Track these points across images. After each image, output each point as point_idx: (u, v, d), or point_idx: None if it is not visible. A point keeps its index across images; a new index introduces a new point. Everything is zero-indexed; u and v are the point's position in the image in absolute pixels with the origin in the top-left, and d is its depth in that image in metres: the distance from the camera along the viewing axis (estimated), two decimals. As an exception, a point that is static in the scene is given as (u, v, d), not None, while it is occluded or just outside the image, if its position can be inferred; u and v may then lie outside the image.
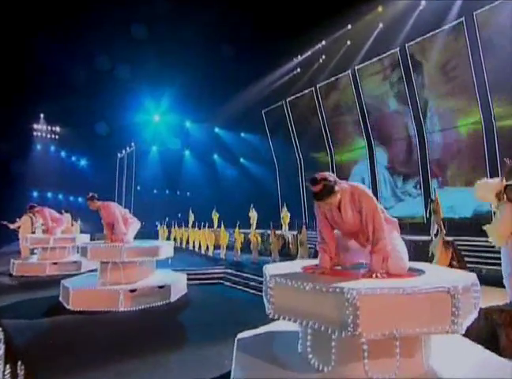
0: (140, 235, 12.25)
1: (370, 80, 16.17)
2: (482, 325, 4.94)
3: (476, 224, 11.22)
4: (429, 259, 7.24)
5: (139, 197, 26.29)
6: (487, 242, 5.01)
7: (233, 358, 2.84)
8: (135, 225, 6.69)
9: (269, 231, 12.84)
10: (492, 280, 5.55)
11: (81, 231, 13.16)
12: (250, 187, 22.73)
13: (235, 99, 19.96)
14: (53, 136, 25.69)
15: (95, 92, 19.04)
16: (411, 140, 15.15)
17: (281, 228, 14.21)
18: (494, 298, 5.16)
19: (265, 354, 2.79)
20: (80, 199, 23.18)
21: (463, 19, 12.51)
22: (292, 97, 20.10)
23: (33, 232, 10.48)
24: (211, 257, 12.72)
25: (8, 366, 2.71)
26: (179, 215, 26.13)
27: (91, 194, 6.28)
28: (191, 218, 19.49)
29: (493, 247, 4.92)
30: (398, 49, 14.73)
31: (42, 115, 24.71)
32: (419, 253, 8.82)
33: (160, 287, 6.04)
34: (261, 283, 5.97)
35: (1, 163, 19.13)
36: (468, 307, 2.32)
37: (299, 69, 19.29)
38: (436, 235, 8.69)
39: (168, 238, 17.45)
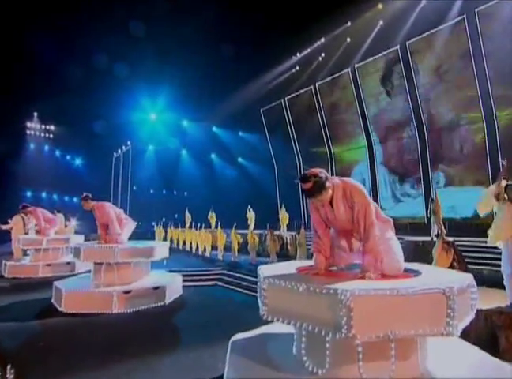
0: (136, 236, 12.26)
1: (370, 78, 16.18)
2: (481, 327, 4.96)
3: (477, 224, 11.30)
4: (430, 260, 7.29)
5: (135, 197, 26.25)
6: (486, 242, 5.04)
7: (226, 361, 2.84)
8: (130, 225, 6.68)
9: (266, 231, 12.86)
10: (493, 281, 5.57)
11: (76, 232, 13.15)
12: (249, 187, 22.71)
13: (233, 98, 19.93)
14: (47, 134, 25.60)
15: (90, 90, 18.99)
16: (411, 139, 15.17)
17: (280, 229, 14.20)
18: (494, 300, 5.18)
19: (259, 356, 2.80)
20: (75, 199, 23.10)
21: (464, 16, 12.53)
22: (291, 96, 20.09)
23: (26, 233, 10.44)
24: (208, 258, 12.73)
25: (-3, 370, 2.70)
26: (176, 215, 26.11)
27: (85, 194, 6.27)
28: (188, 218, 19.52)
29: (495, 248, 4.94)
30: (398, 47, 14.74)
31: (35, 113, 24.62)
32: (420, 253, 8.86)
33: (155, 289, 6.03)
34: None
35: (-6, 161, 19.09)
36: (464, 309, 2.33)
37: (298, 67, 19.27)
38: (437, 236, 8.75)
39: (165, 239, 17.44)
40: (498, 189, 4.65)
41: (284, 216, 14.33)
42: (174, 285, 6.56)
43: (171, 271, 8.15)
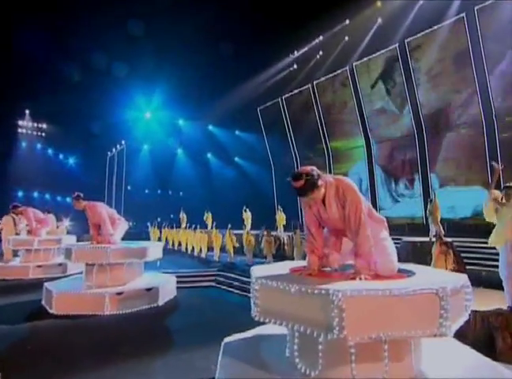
0: (131, 236, 12.23)
1: (368, 77, 16.22)
2: (479, 328, 5.00)
3: (477, 225, 11.36)
4: (428, 260, 7.34)
5: (130, 197, 26.20)
6: (486, 242, 5.09)
7: (218, 362, 2.84)
8: (123, 226, 6.67)
9: (264, 232, 12.88)
10: (492, 283, 5.60)
11: (69, 232, 13.08)
12: (245, 187, 22.72)
13: (229, 96, 19.92)
14: (39, 133, 25.47)
15: (83, 88, 18.91)
16: (410, 138, 15.22)
17: (276, 229, 14.22)
18: (492, 301, 5.22)
19: (251, 358, 2.79)
20: (68, 199, 23.00)
21: (464, 14, 12.58)
22: (289, 94, 20.12)
23: (17, 233, 10.37)
24: (204, 259, 12.73)
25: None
26: (171, 215, 26.11)
27: (76, 193, 6.24)
28: (183, 219, 19.50)
29: (494, 248, 4.99)
30: (397, 45, 14.79)
31: (27, 111, 24.49)
32: (418, 254, 8.90)
33: (148, 290, 6.02)
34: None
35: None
36: (457, 309, 2.33)
37: (295, 66, 19.30)
38: (436, 236, 8.81)
39: (160, 240, 17.40)
40: (493, 196, 4.72)
41: (280, 217, 14.34)
42: (167, 286, 6.55)
43: (165, 272, 8.12)
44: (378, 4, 15.05)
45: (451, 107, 13.71)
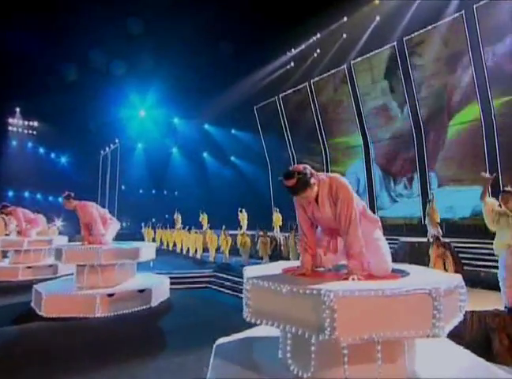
0: (124, 237, 12.20)
1: (366, 75, 16.27)
2: (475, 330, 5.03)
3: (475, 225, 11.43)
4: (426, 261, 7.41)
5: (124, 197, 26.11)
6: (485, 243, 5.14)
7: (209, 364, 2.84)
8: (114, 226, 6.64)
9: (260, 233, 12.91)
10: (490, 284, 5.63)
11: (61, 233, 13.02)
12: (242, 187, 22.73)
13: (225, 95, 19.92)
14: (30, 131, 25.28)
15: (76, 85, 18.83)
16: (408, 137, 15.28)
17: (273, 230, 14.24)
18: (490, 302, 5.26)
19: (243, 359, 2.79)
20: (60, 199, 22.86)
21: (463, 12, 12.64)
22: (285, 93, 20.15)
23: (7, 234, 10.29)
24: (199, 260, 12.73)
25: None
26: (166, 215, 26.06)
27: (67, 193, 6.21)
28: (178, 219, 19.47)
29: (492, 249, 5.04)
30: (395, 43, 14.84)
31: (18, 109, 24.31)
32: (416, 254, 8.95)
33: (140, 291, 6.00)
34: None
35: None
36: (451, 310, 2.34)
37: (292, 64, 19.35)
38: (434, 237, 8.88)
39: (154, 240, 17.36)
40: (489, 207, 4.80)
41: (277, 217, 14.36)
42: (161, 288, 6.54)
43: (159, 273, 8.11)
44: (376, 1, 15.12)
45: (450, 106, 13.79)
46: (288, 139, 20.68)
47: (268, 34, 15.89)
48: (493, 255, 5.09)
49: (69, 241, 10.67)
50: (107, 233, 6.36)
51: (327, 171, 17.26)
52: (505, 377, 2.60)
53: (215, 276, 10.14)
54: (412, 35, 14.22)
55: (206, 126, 25.74)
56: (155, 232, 19.11)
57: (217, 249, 12.40)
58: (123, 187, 27.01)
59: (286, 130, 20.66)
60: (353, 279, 2.42)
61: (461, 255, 8.58)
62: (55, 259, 6.52)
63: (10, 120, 24.56)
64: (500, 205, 4.81)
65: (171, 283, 7.46)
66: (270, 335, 3.11)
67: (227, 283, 8.98)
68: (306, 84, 18.81)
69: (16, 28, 15.69)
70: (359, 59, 16.29)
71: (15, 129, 24.69)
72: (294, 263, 3.17)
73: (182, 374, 3.56)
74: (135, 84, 20.80)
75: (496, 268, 5.12)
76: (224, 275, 9.66)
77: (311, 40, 17.91)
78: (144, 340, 4.63)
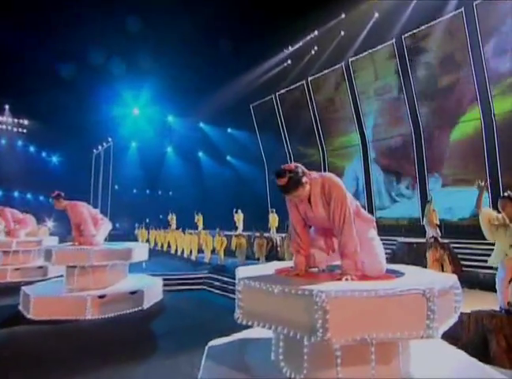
0: (117, 238, 12.16)
1: (364, 73, 16.32)
2: (472, 331, 5.06)
3: (475, 226, 11.48)
4: (424, 262, 7.45)
5: (117, 197, 25.99)
6: (484, 244, 5.18)
7: (201, 367, 2.83)
8: (106, 226, 6.62)
9: (256, 233, 12.93)
10: (489, 284, 5.67)
11: (52, 234, 12.93)
12: (238, 186, 22.72)
13: (221, 93, 19.90)
14: (20, 129, 25.05)
15: (68, 82, 18.71)
16: (406, 137, 15.34)
17: (269, 231, 14.25)
18: (487, 303, 5.29)
19: (235, 362, 2.79)
20: (51, 199, 22.71)
21: (462, 9, 12.70)
22: (282, 91, 20.16)
23: (-4, 235, 10.21)
24: (194, 261, 12.73)
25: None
26: (161, 216, 26.02)
27: (56, 192, 6.18)
28: (173, 219, 19.45)
29: (491, 250, 5.08)
30: (394, 40, 14.89)
31: (7, 106, 24.12)
32: (414, 255, 9.00)
33: (132, 293, 5.98)
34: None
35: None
36: (446, 311, 2.35)
37: (289, 61, 19.36)
38: (432, 238, 8.94)
39: (148, 241, 17.33)
40: (486, 217, 4.85)
41: (273, 218, 14.35)
42: (153, 289, 6.52)
43: (152, 275, 8.09)
44: (375, -2, 15.16)
45: (449, 106, 13.85)
46: (285, 138, 20.70)
47: (264, 31, 15.89)
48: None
49: (61, 242, 10.59)
50: (99, 233, 6.34)
51: (325, 170, 17.31)
52: (499, 377, 2.61)
53: (210, 278, 10.14)
54: (412, 32, 14.26)
55: (201, 125, 25.70)
56: (148, 233, 19.07)
57: (213, 251, 12.40)
58: (116, 187, 26.90)
59: (283, 129, 20.67)
60: (346, 279, 2.43)
61: (460, 256, 8.64)
62: (45, 260, 6.48)
63: (0, 118, 24.40)
64: (499, 211, 4.88)
65: (165, 285, 7.44)
66: (264, 336, 3.11)
67: (223, 285, 8.98)
68: (304, 82, 18.83)
69: (5, 24, 15.57)
70: (357, 57, 16.32)
71: (4, 126, 24.46)
72: (288, 264, 3.17)
73: (174, 376, 3.55)
74: (128, 82, 20.73)
75: (496, 268, 5.16)
76: (219, 277, 9.67)
77: (309, 37, 17.92)
78: (136, 343, 4.61)
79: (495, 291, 5.02)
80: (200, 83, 19.33)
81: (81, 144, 23.98)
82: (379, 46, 15.42)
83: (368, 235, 2.69)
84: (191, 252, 13.48)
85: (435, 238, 8.93)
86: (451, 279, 2.57)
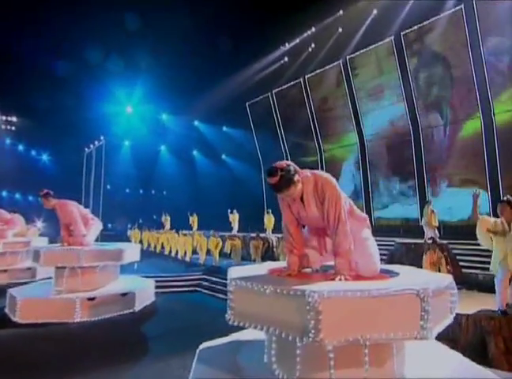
0: (109, 239, 12.10)
1: (362, 71, 16.36)
2: (471, 333, 5.10)
3: (474, 226, 11.55)
4: (422, 263, 7.50)
5: (109, 197, 25.87)
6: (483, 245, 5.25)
7: (191, 370, 2.83)
8: (96, 226, 6.58)
9: (251, 234, 12.95)
10: (488, 286, 5.71)
11: (41, 234, 12.83)
12: (233, 186, 22.71)
13: (216, 90, 19.88)
14: (8, 127, 24.83)
15: (58, 79, 18.57)
16: (405, 136, 15.40)
17: (265, 231, 14.27)
18: (485, 305, 5.33)
19: (227, 364, 2.78)
20: (40, 198, 22.53)
21: (462, 6, 12.76)
22: (279, 88, 20.18)
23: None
24: (188, 263, 12.72)
25: None
26: (154, 216, 25.95)
27: (45, 191, 6.14)
28: (167, 220, 19.41)
29: (491, 251, 5.14)
30: (393, 37, 14.95)
31: (-5, 103, 23.92)
32: (412, 255, 9.05)
33: (123, 295, 5.95)
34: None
35: None
36: (440, 311, 2.36)
37: (286, 59, 19.38)
38: (431, 239, 9.02)
39: (141, 242, 17.27)
40: (484, 225, 4.94)
41: (269, 219, 14.35)
42: (145, 291, 6.50)
43: (145, 276, 8.07)
44: (373, -6, 15.21)
45: (448, 105, 13.92)
46: (282, 136, 20.72)
47: (261, 27, 15.88)
48: (491, 256, 5.18)
49: (50, 243, 10.51)
50: (89, 233, 6.30)
51: (322, 169, 17.33)
52: (495, 378, 2.63)
53: (204, 279, 10.14)
54: (411, 29, 14.31)
55: (196, 123, 25.65)
56: (141, 234, 19.00)
57: (207, 252, 12.39)
58: (109, 186, 26.78)
59: (279, 127, 20.69)
60: (340, 279, 2.43)
61: (459, 257, 8.70)
62: (33, 261, 6.43)
63: (-14, 115, 24.19)
64: (497, 216, 4.95)
65: (158, 287, 7.43)
66: (256, 338, 3.11)
67: (217, 287, 8.98)
68: (301, 79, 18.86)
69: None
70: (355, 54, 16.37)
71: (-8, 124, 24.31)
72: (282, 264, 3.17)
73: (165, 380, 3.54)
74: (121, 79, 20.63)
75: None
76: (214, 278, 9.66)
77: (306, 34, 17.95)
78: (126, 345, 4.60)
79: (494, 293, 5.07)
80: (195, 80, 19.28)
81: (72, 143, 23.84)
82: (378, 44, 15.47)
83: (362, 235, 2.69)
84: (185, 253, 13.46)
85: (433, 240, 9.01)
86: (446, 279, 2.58)
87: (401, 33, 14.63)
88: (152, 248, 16.97)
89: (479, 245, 8.44)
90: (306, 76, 18.61)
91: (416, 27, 14.17)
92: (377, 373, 2.37)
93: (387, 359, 2.45)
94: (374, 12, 15.34)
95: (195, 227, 17.27)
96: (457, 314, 4.88)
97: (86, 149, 26.46)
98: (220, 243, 12.04)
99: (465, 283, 7.65)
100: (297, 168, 2.52)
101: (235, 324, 2.51)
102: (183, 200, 24.01)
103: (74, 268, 5.95)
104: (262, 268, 3.05)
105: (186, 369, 3.48)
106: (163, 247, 15.97)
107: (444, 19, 13.34)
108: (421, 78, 14.52)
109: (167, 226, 19.20)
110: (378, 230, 14.34)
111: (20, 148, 25.76)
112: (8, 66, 17.55)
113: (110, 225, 26.41)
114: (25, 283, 7.40)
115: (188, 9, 15.69)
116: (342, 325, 2.12)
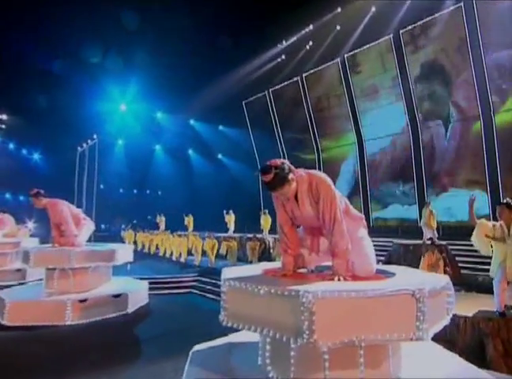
0: (103, 240, 12.02)
1: (361, 69, 16.40)
2: (469, 335, 5.12)
3: (473, 228, 11.60)
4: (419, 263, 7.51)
5: (102, 197, 25.78)
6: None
7: (184, 373, 2.82)
8: (88, 226, 6.55)
9: (248, 235, 12.96)
10: (488, 288, 5.73)
11: (32, 235, 12.75)
12: (229, 186, 22.70)
13: (212, 89, 19.85)
14: (-1, 125, 24.74)
15: (50, 76, 18.49)
16: (403, 136, 15.46)
17: (262, 232, 14.27)
18: (483, 306, 5.36)
19: (220, 367, 2.78)
20: (30, 197, 22.36)
21: (462, 4, 12.81)
22: (276, 87, 20.20)
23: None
24: (183, 264, 12.71)
25: None
26: (149, 217, 25.88)
27: (36, 190, 6.10)
28: (162, 221, 19.37)
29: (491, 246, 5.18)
30: (392, 35, 15.00)
31: (-16, 101, 23.72)
32: (410, 256, 9.09)
33: (116, 297, 5.93)
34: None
35: None
36: (437, 312, 2.37)
37: (283, 57, 19.38)
38: (430, 240, 9.06)
39: (135, 244, 17.22)
40: (481, 230, 4.99)
41: (266, 219, 14.35)
42: (138, 293, 6.48)
43: (139, 278, 8.04)
44: (372, -8, 15.25)
45: (447, 104, 13.98)
46: (279, 136, 20.73)
47: (258, 25, 15.88)
48: (491, 258, 5.23)
49: (41, 243, 10.43)
50: (80, 234, 6.26)
51: (320, 169, 17.36)
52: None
53: (199, 281, 10.13)
54: (410, 26, 14.36)
55: (192, 122, 25.62)
56: (135, 235, 18.94)
57: (203, 253, 12.38)
58: (102, 186, 26.68)
59: (276, 126, 20.70)
60: (339, 279, 2.43)
61: (458, 258, 8.74)
62: (23, 262, 6.39)
63: (-25, 112, 23.99)
64: (496, 219, 4.99)
65: (152, 289, 7.41)
66: (251, 340, 3.11)
67: (212, 288, 8.96)
68: (298, 78, 18.88)
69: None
70: (353, 52, 16.41)
71: (-19, 122, 24.11)
72: (277, 264, 3.17)
73: (157, 384, 3.53)
74: (115, 76, 20.54)
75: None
76: (209, 280, 9.65)
77: (303, 32, 17.97)
78: (119, 348, 4.58)
79: (493, 294, 5.10)
80: (191, 78, 19.25)
81: (65, 141, 23.69)
82: (376, 42, 15.53)
83: (358, 234, 2.70)
84: (180, 254, 13.44)
85: (432, 240, 9.06)
86: (443, 279, 2.59)
87: (400, 31, 14.68)
88: (146, 249, 16.92)
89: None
90: (303, 75, 18.64)
91: (415, 24, 14.21)
92: (372, 375, 2.38)
93: (383, 361, 2.45)
94: (373, 9, 15.39)
95: (190, 227, 17.25)
96: (455, 316, 4.92)
97: (79, 148, 26.34)
98: (217, 245, 12.04)
99: (464, 284, 7.68)
100: (291, 166, 2.52)
101: (229, 325, 2.51)
102: (178, 200, 23.97)
103: (65, 270, 5.91)
104: (257, 268, 3.04)
105: (179, 371, 3.49)
106: (157, 248, 15.94)
107: (444, 16, 13.39)
108: (420, 77, 14.56)
109: (162, 227, 19.17)
110: (377, 230, 14.40)
111: (11, 146, 25.59)
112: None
113: (103, 226, 26.33)
114: (15, 285, 7.35)
115: (185, 7, 15.66)
116: (337, 326, 2.12)
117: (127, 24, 16.93)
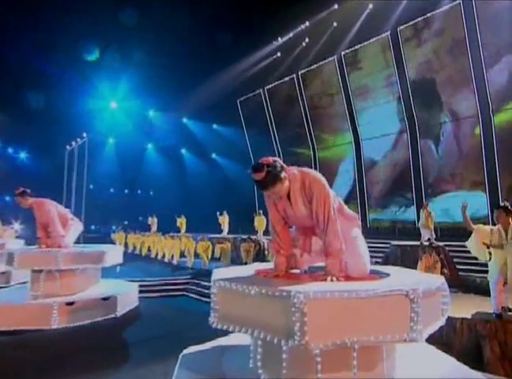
0: (92, 242, 11.93)
1: (358, 67, 16.47)
2: (465, 337, 5.16)
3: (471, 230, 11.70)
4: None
5: (92, 198, 25.64)
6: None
7: (173, 376, 2.81)
8: (76, 227, 6.50)
9: (242, 236, 12.96)
10: (486, 289, 5.78)
11: (19, 237, 12.63)
12: (223, 186, 22.69)
13: (206, 86, 19.85)
14: (-17, 123, 24.45)
15: (38, 72, 18.33)
16: (401, 135, 15.54)
17: (257, 233, 14.27)
18: (483, 308, 5.41)
19: (210, 370, 2.78)
20: (16, 197, 22.15)
21: (460, 1, 12.90)
22: (271, 85, 20.24)
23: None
24: (175, 266, 12.68)
25: None
26: (140, 218, 25.80)
27: (21, 189, 6.05)
28: (154, 222, 19.31)
29: (489, 253, 5.23)
30: (389, 33, 15.09)
31: (-32, 98, 23.47)
32: (407, 258, 9.15)
33: (104, 299, 5.89)
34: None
35: None
36: (431, 313, 2.38)
37: (279, 54, 19.44)
38: (428, 241, 9.13)
39: (126, 245, 17.15)
40: (479, 236, 5.06)
41: (260, 220, 14.34)
42: (128, 295, 6.43)
43: (129, 280, 8.00)
44: (369, -12, 15.34)
45: (446, 104, 14.07)
46: (274, 135, 20.75)
47: (253, 21, 15.92)
48: (490, 259, 5.28)
49: (28, 245, 10.35)
50: (68, 234, 6.21)
51: (316, 169, 17.37)
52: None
53: (191, 283, 10.11)
54: (408, 24, 14.45)
55: (185, 120, 25.58)
56: (126, 236, 18.84)
57: (196, 255, 12.37)
58: (92, 186, 26.53)
59: (272, 125, 20.73)
60: (332, 280, 2.44)
61: (456, 260, 8.81)
62: (7, 264, 6.30)
63: (-41, 110, 23.70)
64: (494, 224, 5.05)
65: (143, 291, 7.38)
66: (242, 343, 3.10)
67: (205, 291, 8.93)
68: (294, 75, 18.93)
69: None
70: (350, 49, 16.48)
71: (-36, 120, 23.79)
72: (269, 265, 3.17)
73: (147, 389, 3.51)
74: (106, 73, 20.45)
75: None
76: (201, 282, 9.63)
77: (299, 29, 18.02)
78: (107, 352, 4.56)
79: (490, 296, 5.15)
80: (184, 76, 19.20)
81: (53, 140, 23.53)
82: (373, 39, 15.61)
83: (352, 234, 2.70)
84: (172, 256, 13.40)
85: (430, 242, 9.13)
86: (438, 280, 2.61)
87: (398, 28, 14.77)
88: (137, 251, 16.85)
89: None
90: (299, 72, 18.68)
91: (412, 22, 14.30)
92: (366, 377, 2.39)
93: (377, 362, 2.46)
94: (370, 6, 15.48)
95: (183, 229, 17.22)
96: (452, 318, 4.96)
97: (68, 147, 26.17)
98: (211, 247, 12.03)
99: (462, 285, 7.76)
100: (284, 165, 2.52)
101: (219, 327, 2.50)
102: (171, 201, 23.90)
103: (52, 272, 5.85)
104: (249, 269, 3.05)
105: (168, 375, 3.47)
106: (149, 250, 15.89)
107: (442, 13, 13.50)
108: (417, 74, 14.65)
109: (154, 228, 19.11)
110: (374, 232, 14.47)
111: (-3, 145, 25.39)
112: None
113: (93, 227, 26.17)
114: (-1, 287, 7.28)
115: (180, 4, 15.63)
116: (329, 327, 2.12)
117: (118, 22, 16.85)
